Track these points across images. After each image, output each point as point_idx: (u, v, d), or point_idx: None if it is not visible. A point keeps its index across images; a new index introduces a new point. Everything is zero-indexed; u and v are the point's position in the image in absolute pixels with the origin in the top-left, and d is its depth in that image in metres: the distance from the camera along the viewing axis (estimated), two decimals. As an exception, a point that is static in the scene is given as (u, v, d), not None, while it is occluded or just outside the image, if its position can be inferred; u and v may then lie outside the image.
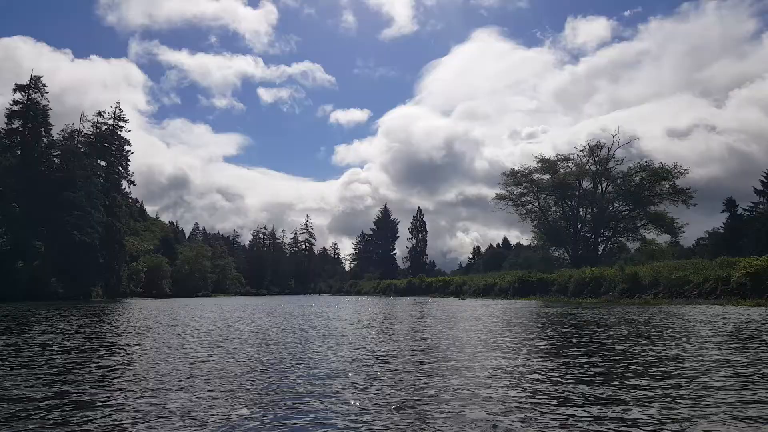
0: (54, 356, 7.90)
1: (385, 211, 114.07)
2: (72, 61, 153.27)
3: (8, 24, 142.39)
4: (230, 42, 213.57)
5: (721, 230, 49.30)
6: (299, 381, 5.74)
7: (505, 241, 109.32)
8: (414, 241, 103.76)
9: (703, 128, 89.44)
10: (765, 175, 45.60)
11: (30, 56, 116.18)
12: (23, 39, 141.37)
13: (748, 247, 39.20)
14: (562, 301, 31.59)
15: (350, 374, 6.16)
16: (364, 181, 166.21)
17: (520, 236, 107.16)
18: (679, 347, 8.24)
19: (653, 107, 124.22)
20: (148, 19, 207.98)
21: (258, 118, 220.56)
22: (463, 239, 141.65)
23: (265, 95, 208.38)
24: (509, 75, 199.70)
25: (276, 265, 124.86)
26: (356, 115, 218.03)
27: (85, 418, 4.29)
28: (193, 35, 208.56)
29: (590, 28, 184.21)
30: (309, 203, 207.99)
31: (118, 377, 6.15)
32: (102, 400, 4.94)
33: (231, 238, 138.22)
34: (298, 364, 7.02)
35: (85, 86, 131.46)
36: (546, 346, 8.80)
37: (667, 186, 45.99)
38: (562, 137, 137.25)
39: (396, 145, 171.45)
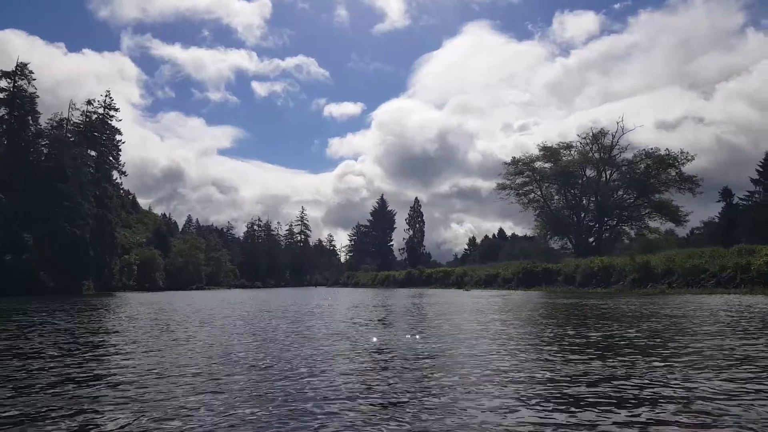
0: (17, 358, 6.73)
1: (382, 203, 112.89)
2: (65, 55, 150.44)
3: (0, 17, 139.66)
4: (223, 36, 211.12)
5: (716, 219, 48.72)
6: (307, 392, 4.62)
7: (501, 232, 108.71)
8: (411, 232, 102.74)
9: (691, 120, 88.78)
10: (761, 164, 44.85)
11: (23, 49, 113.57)
12: (15, 32, 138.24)
13: (743, 236, 38.70)
14: (570, 291, 30.62)
15: (370, 388, 5.02)
16: (359, 173, 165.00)
17: (513, 227, 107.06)
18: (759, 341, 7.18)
19: (643, 99, 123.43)
20: (141, 12, 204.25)
21: (252, 112, 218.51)
22: (457, 231, 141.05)
23: (259, 89, 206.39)
24: (502, 68, 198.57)
25: (271, 257, 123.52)
26: (350, 108, 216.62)
27: None
28: (186, 29, 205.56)
29: (578, 23, 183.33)
30: (304, 195, 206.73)
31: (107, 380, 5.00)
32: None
33: (225, 230, 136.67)
34: (311, 376, 5.88)
35: (79, 80, 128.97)
36: (590, 344, 7.70)
37: (674, 173, 45.09)
38: (555, 129, 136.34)
39: (390, 138, 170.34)
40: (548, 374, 5.23)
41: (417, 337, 8.71)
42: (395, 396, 4.44)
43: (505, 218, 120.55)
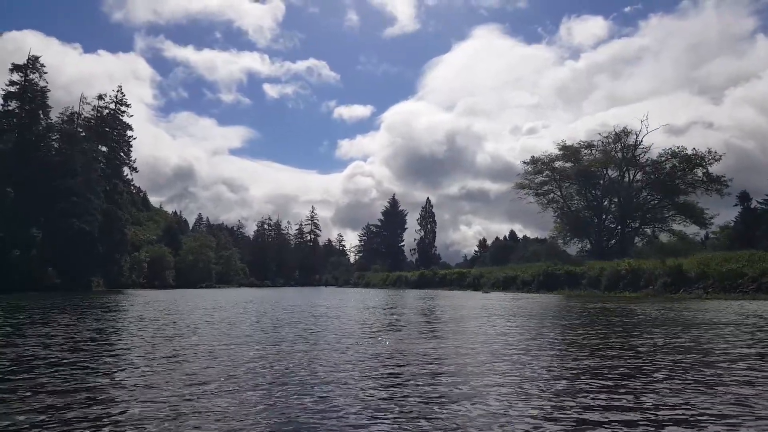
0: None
1: (393, 203, 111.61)
2: (81, 55, 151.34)
3: (18, 19, 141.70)
4: (234, 38, 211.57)
5: (732, 223, 47.17)
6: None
7: (512, 233, 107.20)
8: (423, 232, 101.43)
9: (700, 125, 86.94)
10: (779, 168, 43.26)
11: (40, 49, 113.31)
12: (33, 33, 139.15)
13: (762, 240, 37.21)
14: (595, 295, 29.19)
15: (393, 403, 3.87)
16: (368, 174, 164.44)
17: (523, 229, 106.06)
18: None
19: (652, 104, 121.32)
20: (153, 14, 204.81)
21: (263, 113, 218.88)
22: (466, 232, 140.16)
23: (271, 91, 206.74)
24: (510, 71, 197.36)
25: (281, 256, 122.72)
26: (359, 110, 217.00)
27: None
28: (198, 31, 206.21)
29: (585, 28, 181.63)
30: (313, 195, 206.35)
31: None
32: None
33: (235, 228, 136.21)
34: (327, 384, 4.73)
35: (94, 79, 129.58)
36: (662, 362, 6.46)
37: (701, 174, 43.35)
38: (563, 133, 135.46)
39: (398, 140, 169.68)
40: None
41: (448, 345, 7.53)
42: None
43: (514, 220, 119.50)
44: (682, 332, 9.24)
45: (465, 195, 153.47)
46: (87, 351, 7.13)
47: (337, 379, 5.10)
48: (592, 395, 4.40)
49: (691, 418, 3.69)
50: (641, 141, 46.54)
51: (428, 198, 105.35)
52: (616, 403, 4.12)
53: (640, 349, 7.23)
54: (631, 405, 4.07)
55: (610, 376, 5.24)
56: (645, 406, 4.02)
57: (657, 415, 3.79)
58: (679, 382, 4.91)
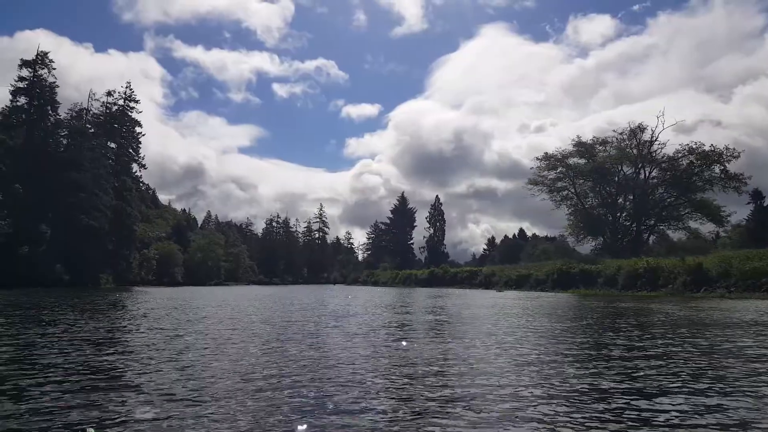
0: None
1: (403, 200, 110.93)
2: (92, 55, 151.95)
3: (30, 19, 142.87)
4: (243, 37, 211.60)
5: (744, 222, 46.17)
6: None
7: (522, 232, 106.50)
8: (432, 230, 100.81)
9: (709, 123, 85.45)
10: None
11: (52, 49, 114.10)
12: (45, 33, 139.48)
13: None
14: (614, 295, 28.44)
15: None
16: (375, 172, 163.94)
17: (531, 227, 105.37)
18: None
19: (660, 102, 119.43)
20: (163, 14, 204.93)
21: (272, 112, 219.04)
22: (473, 230, 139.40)
23: (280, 90, 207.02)
24: (517, 69, 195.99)
25: (289, 254, 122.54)
26: (367, 109, 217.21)
27: None
28: (207, 31, 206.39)
29: (592, 26, 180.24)
30: (321, 193, 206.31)
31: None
32: None
33: (243, 226, 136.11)
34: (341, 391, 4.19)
35: (105, 79, 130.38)
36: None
37: (718, 171, 42.31)
38: (570, 130, 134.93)
39: (406, 139, 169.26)
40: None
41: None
42: None
43: (523, 218, 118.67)
44: (721, 334, 8.61)
45: (473, 193, 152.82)
46: (88, 351, 6.66)
47: (351, 381, 4.74)
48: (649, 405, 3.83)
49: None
50: (657, 137, 45.62)
51: (437, 196, 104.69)
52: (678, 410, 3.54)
53: (686, 351, 6.63)
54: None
55: (666, 382, 4.66)
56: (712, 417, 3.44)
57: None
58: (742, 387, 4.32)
